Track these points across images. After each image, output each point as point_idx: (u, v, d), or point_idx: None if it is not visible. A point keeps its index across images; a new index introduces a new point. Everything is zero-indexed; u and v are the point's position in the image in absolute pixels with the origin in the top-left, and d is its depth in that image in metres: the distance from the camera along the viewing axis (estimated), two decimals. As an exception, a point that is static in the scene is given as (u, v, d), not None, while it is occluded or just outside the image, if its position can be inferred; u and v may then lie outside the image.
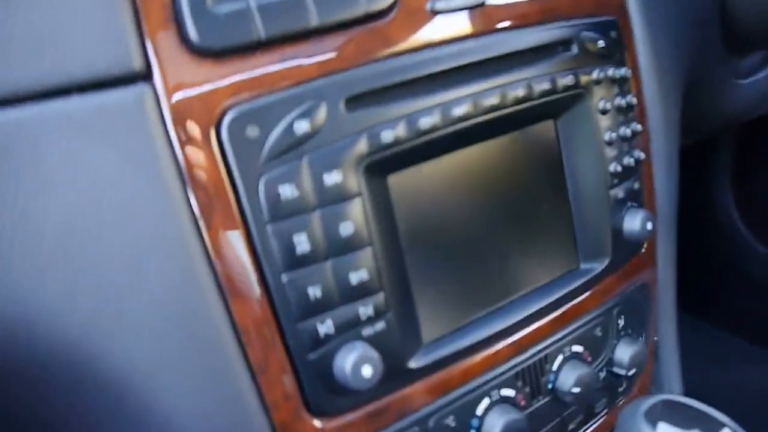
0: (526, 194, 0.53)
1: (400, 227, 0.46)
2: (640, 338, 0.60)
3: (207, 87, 0.38)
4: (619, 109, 0.55)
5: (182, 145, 0.38)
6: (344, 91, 0.42)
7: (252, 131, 0.39)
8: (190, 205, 0.38)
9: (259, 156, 0.39)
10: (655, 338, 0.66)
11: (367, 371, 0.41)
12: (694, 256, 1.36)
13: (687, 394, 0.69)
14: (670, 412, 0.46)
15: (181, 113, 0.37)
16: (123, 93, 0.37)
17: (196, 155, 0.38)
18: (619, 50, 0.56)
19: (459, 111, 0.45)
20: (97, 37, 0.36)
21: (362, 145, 0.42)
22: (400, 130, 0.43)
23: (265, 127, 0.39)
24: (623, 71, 0.55)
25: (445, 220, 0.48)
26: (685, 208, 1.34)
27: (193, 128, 0.38)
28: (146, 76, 0.37)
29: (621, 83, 0.55)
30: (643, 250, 0.61)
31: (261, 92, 0.39)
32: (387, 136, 0.43)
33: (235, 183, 0.39)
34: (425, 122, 0.44)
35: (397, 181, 0.46)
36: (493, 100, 0.47)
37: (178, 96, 0.37)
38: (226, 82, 0.38)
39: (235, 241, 0.39)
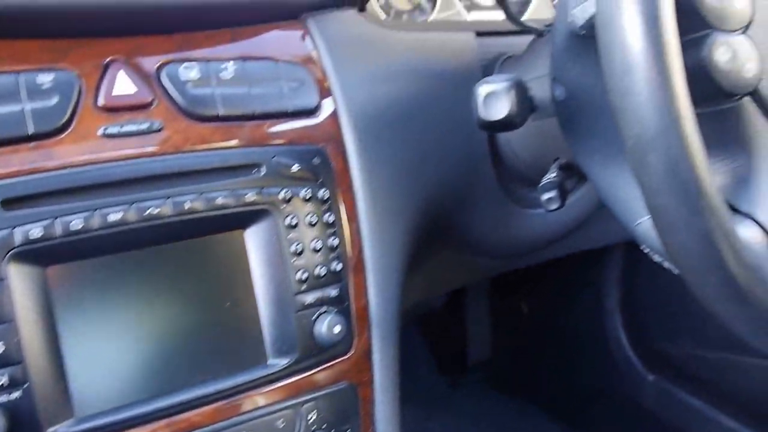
0: (210, 293, 0.60)
1: (58, 311, 0.54)
2: None
3: None
4: (312, 225, 0.63)
5: None
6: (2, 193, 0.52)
7: None
8: None
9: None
10: None
11: None
12: (583, 381, 1.38)
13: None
14: None
15: None
16: None
17: None
18: (322, 174, 0.64)
19: (115, 217, 0.55)
20: None
21: (11, 239, 0.52)
22: (54, 230, 0.52)
23: None
24: (321, 192, 0.64)
25: (115, 311, 0.56)
26: (576, 329, 1.38)
27: None
28: None
29: (319, 202, 0.64)
30: (352, 352, 0.67)
31: None
32: (35, 232, 0.52)
33: None
34: (76, 224, 0.53)
35: (60, 271, 0.54)
36: (162, 210, 0.56)
37: None
38: None
39: None
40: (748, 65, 0.52)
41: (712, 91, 0.53)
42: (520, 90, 0.57)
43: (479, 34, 0.80)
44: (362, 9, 0.72)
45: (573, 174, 0.71)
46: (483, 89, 0.56)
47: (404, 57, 0.72)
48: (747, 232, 0.51)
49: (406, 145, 0.71)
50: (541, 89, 0.70)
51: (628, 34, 0.45)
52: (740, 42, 0.52)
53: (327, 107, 0.66)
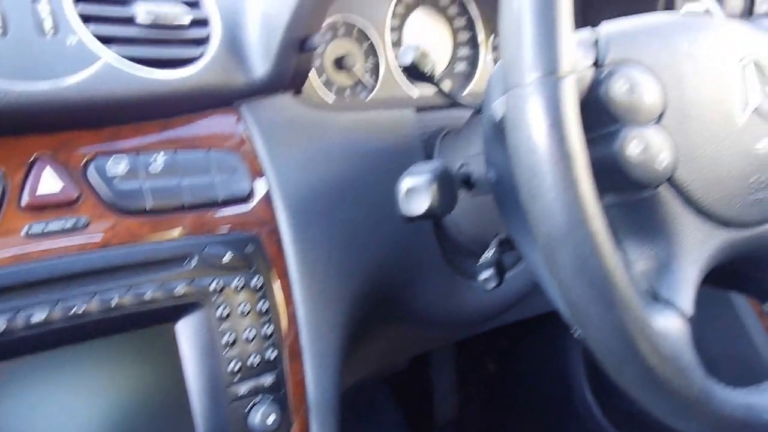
0: (141, 388, 0.59)
1: None
2: None
3: None
4: (245, 314, 0.63)
5: None
6: None
7: None
8: None
9: None
10: None
11: None
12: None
13: None
14: None
15: None
16: None
17: None
18: (256, 261, 0.64)
19: (39, 317, 0.54)
20: None
21: None
22: None
23: None
24: (254, 281, 0.63)
25: (41, 411, 0.55)
26: (542, 388, 1.37)
27: None
28: None
29: (252, 291, 0.63)
30: (292, 438, 0.66)
31: None
32: None
33: None
34: None
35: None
36: (88, 307, 0.56)
37: None
38: None
39: None
40: (661, 156, 0.53)
41: (627, 183, 0.54)
42: (443, 181, 0.58)
43: (420, 109, 0.81)
44: (298, 92, 0.73)
45: (513, 248, 0.71)
46: (404, 184, 0.57)
47: (341, 138, 0.73)
48: (666, 321, 0.52)
49: (343, 227, 0.71)
50: (478, 167, 0.71)
51: (533, 138, 0.46)
52: (652, 134, 0.53)
53: (260, 193, 0.66)
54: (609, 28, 0.55)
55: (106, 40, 0.59)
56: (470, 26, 0.92)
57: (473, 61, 0.93)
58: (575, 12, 0.99)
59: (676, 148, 0.54)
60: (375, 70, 0.85)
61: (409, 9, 0.88)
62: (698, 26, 0.59)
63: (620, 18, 0.58)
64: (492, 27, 0.93)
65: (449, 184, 0.59)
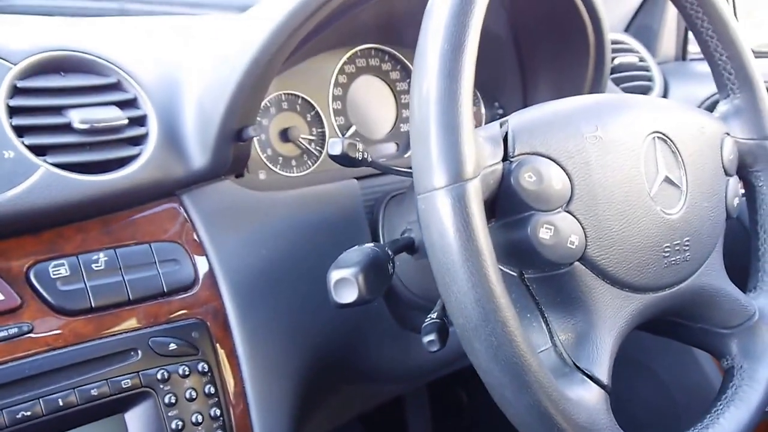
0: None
1: None
2: None
3: None
4: (192, 399, 0.65)
5: None
6: None
7: None
8: None
9: None
10: None
11: None
12: None
13: None
14: None
15: None
16: None
17: None
18: (201, 346, 0.67)
19: None
20: None
21: None
22: None
23: None
24: (201, 366, 0.66)
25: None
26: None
27: None
28: None
29: (199, 375, 0.66)
30: None
31: None
32: None
33: None
34: None
35: None
36: (34, 411, 0.58)
37: None
38: None
39: None
40: (571, 238, 0.56)
41: (543, 262, 0.57)
42: (372, 269, 0.61)
43: (362, 177, 0.84)
44: (240, 175, 0.75)
45: None
46: (333, 275, 0.59)
47: (284, 216, 0.75)
48: (583, 391, 0.55)
49: (290, 303, 0.74)
50: (419, 232, 0.73)
51: (444, 239, 0.49)
52: (562, 218, 0.56)
53: (204, 279, 0.69)
54: (516, 120, 0.58)
55: (43, 150, 0.62)
56: None
57: (417, 120, 0.96)
58: (513, 76, 1.03)
59: (585, 229, 0.57)
60: (320, 140, 0.88)
61: (351, 77, 0.91)
62: (606, 108, 0.63)
63: (528, 108, 0.61)
64: None
65: (378, 270, 0.62)
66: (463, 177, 0.50)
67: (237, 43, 0.71)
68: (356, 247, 0.65)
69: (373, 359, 0.85)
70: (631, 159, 0.61)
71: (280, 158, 0.85)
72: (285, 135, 0.85)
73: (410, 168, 0.79)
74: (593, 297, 0.58)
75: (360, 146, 0.67)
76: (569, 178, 0.57)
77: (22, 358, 0.59)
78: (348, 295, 0.59)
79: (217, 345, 0.68)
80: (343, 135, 0.90)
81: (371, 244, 0.65)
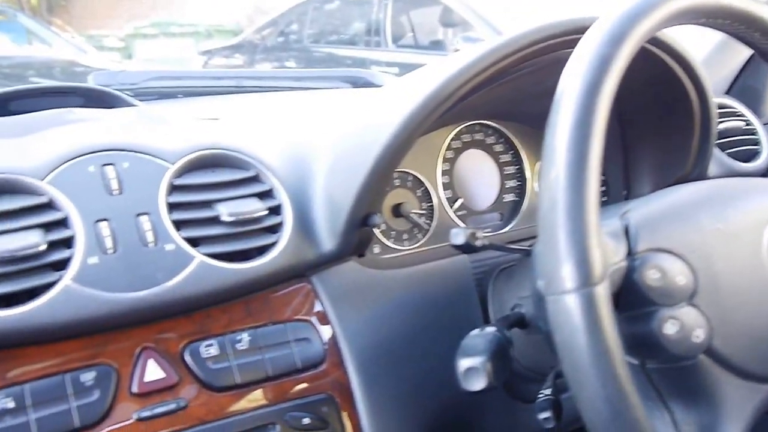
0: None
1: None
2: None
3: None
4: None
5: None
6: None
7: None
8: None
9: None
10: None
11: None
12: None
13: None
14: None
15: None
16: None
17: None
18: (331, 420, 0.72)
19: None
20: None
21: None
22: None
23: None
24: None
25: None
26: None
27: None
28: None
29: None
30: None
31: None
32: None
33: None
34: None
35: None
36: None
37: None
38: None
39: None
40: (696, 332, 0.58)
41: (667, 355, 0.59)
42: (498, 356, 0.64)
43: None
44: (362, 255, 0.81)
45: None
46: (462, 364, 0.63)
47: (401, 294, 0.80)
48: None
49: (410, 378, 0.78)
50: (530, 308, 0.76)
51: (575, 340, 0.52)
52: (686, 313, 0.58)
53: (331, 355, 0.74)
54: (637, 215, 0.61)
55: (196, 242, 0.69)
56: (516, 160, 0.99)
57: (521, 191, 1.00)
58: (615, 148, 1.03)
59: (710, 322, 0.59)
60: (430, 214, 0.93)
61: (458, 152, 0.96)
62: (722, 198, 0.64)
63: (646, 200, 0.64)
64: (536, 157, 1.00)
65: (503, 357, 0.65)
66: (592, 281, 0.52)
67: (370, 127, 0.76)
68: (478, 331, 0.69)
69: (481, 429, 0.87)
70: (753, 248, 0.62)
71: (393, 233, 0.90)
72: (397, 210, 0.90)
73: (524, 245, 0.82)
74: (718, 389, 0.59)
75: (479, 233, 0.71)
76: (692, 271, 0.59)
77: (178, 431, 0.65)
78: (477, 383, 0.62)
79: (345, 419, 0.73)
80: (451, 207, 0.94)
81: (493, 329, 0.68)
